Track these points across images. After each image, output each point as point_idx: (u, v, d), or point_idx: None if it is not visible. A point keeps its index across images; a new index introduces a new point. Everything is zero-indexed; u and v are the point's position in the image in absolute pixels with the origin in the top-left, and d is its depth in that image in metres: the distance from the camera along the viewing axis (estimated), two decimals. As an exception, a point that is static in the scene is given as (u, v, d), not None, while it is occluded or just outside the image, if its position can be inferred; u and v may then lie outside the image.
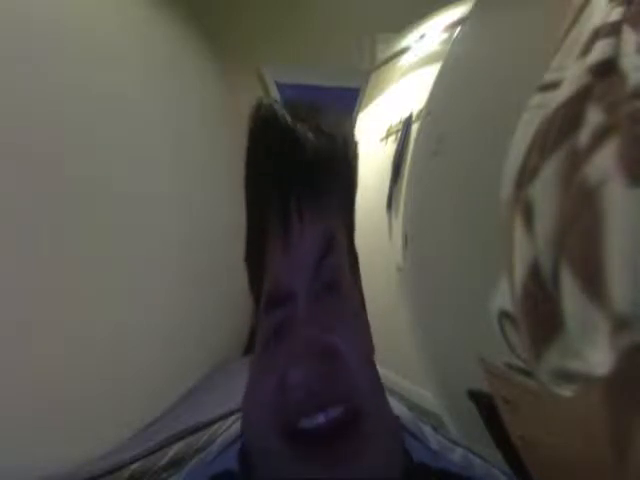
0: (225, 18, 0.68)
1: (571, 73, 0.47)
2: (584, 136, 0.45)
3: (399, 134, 0.65)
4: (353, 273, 0.52)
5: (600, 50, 0.46)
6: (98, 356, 0.56)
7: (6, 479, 0.52)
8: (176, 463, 0.56)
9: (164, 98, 0.64)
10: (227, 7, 0.68)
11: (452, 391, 0.58)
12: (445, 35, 0.66)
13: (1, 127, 0.52)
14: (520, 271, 0.48)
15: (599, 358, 0.43)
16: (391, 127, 0.66)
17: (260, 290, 0.50)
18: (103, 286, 0.57)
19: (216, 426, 0.57)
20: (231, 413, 0.57)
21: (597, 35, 0.47)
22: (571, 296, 0.44)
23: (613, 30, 0.46)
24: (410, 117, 0.64)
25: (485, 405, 0.54)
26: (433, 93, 0.62)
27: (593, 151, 0.44)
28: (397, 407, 0.55)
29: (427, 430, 0.56)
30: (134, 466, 0.56)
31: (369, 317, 0.53)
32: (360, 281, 0.52)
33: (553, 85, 0.48)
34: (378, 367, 0.51)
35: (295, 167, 0.49)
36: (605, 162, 0.44)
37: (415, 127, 0.63)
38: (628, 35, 0.46)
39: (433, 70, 0.64)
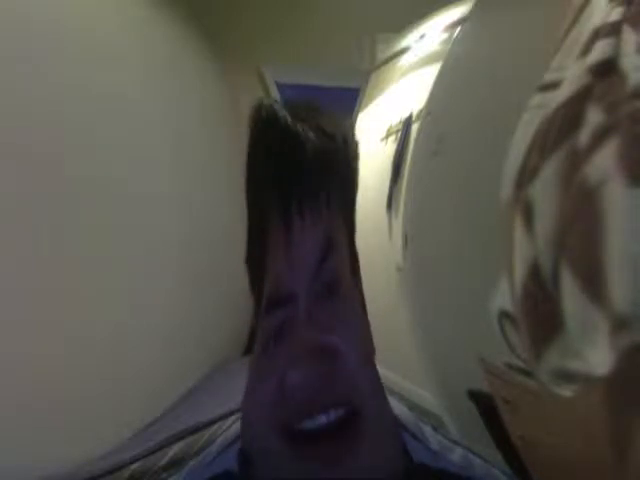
0: (225, 18, 0.68)
1: (571, 73, 0.47)
2: (584, 136, 0.45)
3: (399, 134, 0.65)
4: (354, 274, 0.52)
5: (600, 50, 0.46)
6: (98, 356, 0.56)
7: (6, 479, 0.52)
8: (176, 463, 0.56)
9: (164, 98, 0.64)
10: (227, 7, 0.68)
11: (452, 391, 0.58)
12: (445, 35, 0.66)
13: (1, 127, 0.52)
14: (520, 271, 0.48)
15: (599, 358, 0.43)
16: (391, 127, 0.66)
17: (261, 291, 0.50)
18: (103, 286, 0.57)
19: (216, 426, 0.57)
20: (231, 413, 0.57)
21: (597, 35, 0.47)
22: (571, 296, 0.44)
23: (613, 30, 0.46)
24: (410, 117, 0.64)
25: (485, 405, 0.53)
26: (433, 93, 0.62)
27: (593, 151, 0.44)
28: (397, 407, 0.55)
29: (427, 430, 0.56)
30: (134, 466, 0.56)
31: (369, 317, 0.53)
32: (360, 282, 0.52)
33: (553, 85, 0.48)
34: (378, 367, 0.51)
35: (296, 167, 0.49)
36: (605, 162, 0.44)
37: (415, 127, 0.63)
38: (628, 35, 0.46)
39: (433, 70, 0.64)
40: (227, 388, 0.62)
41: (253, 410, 0.49)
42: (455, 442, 0.56)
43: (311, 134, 0.49)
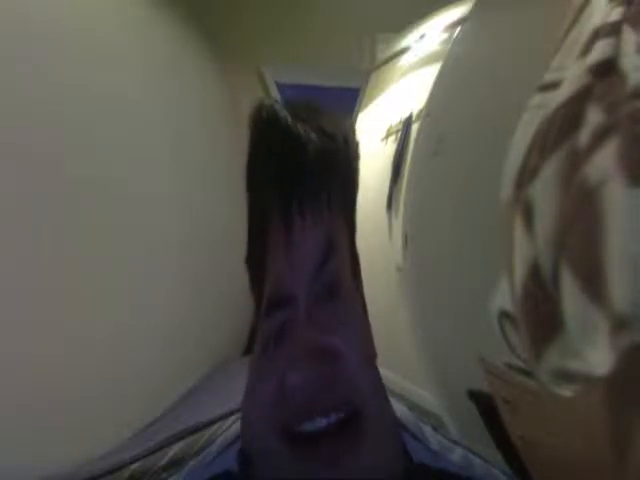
0: (225, 18, 0.68)
1: (571, 73, 0.47)
2: (584, 136, 0.45)
3: (399, 134, 0.65)
4: (354, 276, 0.52)
5: (600, 50, 0.46)
6: (98, 356, 0.56)
7: (6, 479, 0.52)
8: (176, 463, 0.56)
9: (164, 98, 0.64)
10: (227, 7, 0.68)
11: (452, 391, 0.58)
12: (445, 35, 0.66)
13: (1, 127, 0.52)
14: (520, 271, 0.48)
15: (599, 358, 0.43)
16: (391, 127, 0.66)
17: (261, 291, 0.50)
18: (103, 286, 0.57)
19: (216, 426, 0.57)
20: (231, 413, 0.57)
21: (597, 35, 0.47)
22: (571, 296, 0.44)
23: (613, 30, 0.46)
24: (410, 117, 0.64)
25: (485, 405, 0.53)
26: (433, 93, 0.62)
27: (593, 151, 0.44)
28: (397, 407, 0.55)
29: (427, 430, 0.56)
30: (134, 466, 0.56)
31: (369, 317, 0.53)
32: (361, 284, 0.52)
33: (553, 85, 0.48)
34: (378, 367, 0.51)
35: (297, 168, 0.49)
36: (605, 162, 0.44)
37: (415, 127, 0.63)
38: (628, 35, 0.46)
39: (433, 70, 0.64)
40: (227, 388, 0.62)
41: (253, 410, 0.49)
42: (455, 442, 0.56)
43: (312, 134, 0.49)
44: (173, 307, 0.60)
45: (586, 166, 0.44)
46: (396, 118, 0.66)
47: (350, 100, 0.70)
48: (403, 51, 0.70)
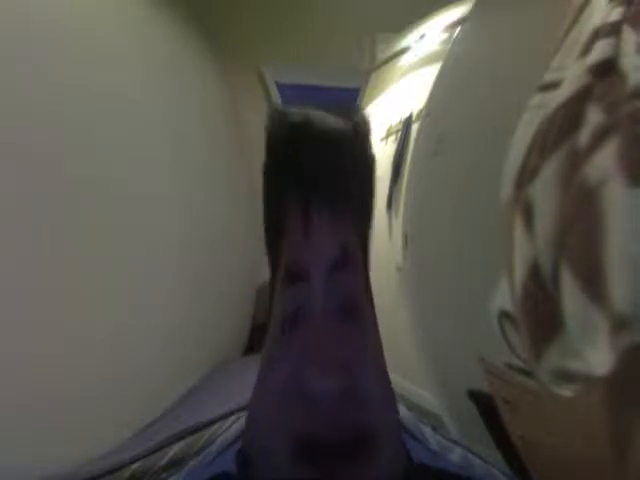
0: (225, 18, 0.68)
1: (571, 73, 0.47)
2: (584, 136, 0.45)
3: (399, 134, 0.65)
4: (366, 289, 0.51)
5: (600, 50, 0.46)
6: (98, 356, 0.56)
7: (6, 479, 0.52)
8: (176, 463, 0.56)
9: (164, 98, 0.64)
10: (227, 7, 0.68)
11: (452, 391, 0.58)
12: (445, 35, 0.66)
13: (1, 127, 0.52)
14: (520, 271, 0.48)
15: (599, 358, 0.43)
16: (391, 127, 0.66)
17: (278, 257, 0.49)
18: (103, 286, 0.57)
19: (216, 426, 0.57)
20: (231, 413, 0.57)
21: (597, 35, 0.47)
22: (571, 296, 0.44)
23: (613, 30, 0.47)
24: (410, 117, 0.64)
25: (485, 405, 0.53)
26: (433, 93, 0.62)
27: (593, 151, 0.44)
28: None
29: (427, 431, 0.56)
30: (134, 466, 0.56)
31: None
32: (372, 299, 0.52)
33: (553, 85, 0.48)
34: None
35: (329, 170, 0.49)
36: (605, 162, 0.44)
37: (415, 127, 0.63)
38: (628, 35, 0.46)
39: (433, 70, 0.64)
40: (227, 388, 0.62)
41: (264, 406, 0.48)
42: (455, 442, 0.56)
43: (348, 139, 0.49)
44: (173, 307, 0.60)
45: (586, 166, 0.44)
46: (396, 118, 0.66)
47: (350, 100, 0.70)
48: (403, 51, 0.70)
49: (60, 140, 0.56)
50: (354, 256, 0.49)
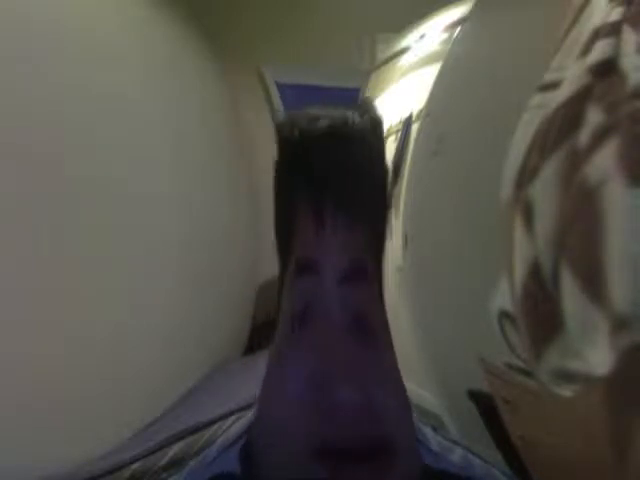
0: (225, 18, 0.68)
1: (571, 73, 0.47)
2: (584, 136, 0.45)
3: (399, 134, 0.65)
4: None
5: (600, 50, 0.46)
6: (98, 356, 0.56)
7: (6, 479, 0.52)
8: (176, 463, 0.56)
9: (164, 98, 0.64)
10: (227, 7, 0.68)
11: (452, 391, 0.58)
12: (445, 35, 0.66)
13: (1, 127, 0.52)
14: (520, 271, 0.48)
15: (599, 358, 0.43)
16: (391, 127, 0.66)
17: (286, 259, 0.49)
18: (103, 286, 0.57)
19: (216, 426, 0.57)
20: (231, 413, 0.57)
21: (597, 35, 0.47)
22: (571, 296, 0.44)
23: (613, 30, 0.47)
24: (410, 117, 0.64)
25: (485, 405, 0.53)
26: (433, 93, 0.62)
27: (593, 151, 0.44)
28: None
29: (428, 432, 0.56)
30: (134, 466, 0.56)
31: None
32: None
33: (553, 85, 0.48)
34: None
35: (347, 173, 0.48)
36: (605, 162, 0.44)
37: (415, 127, 0.63)
38: (628, 35, 0.46)
39: (433, 70, 0.64)
40: (227, 388, 0.62)
41: (280, 404, 0.48)
42: (455, 442, 0.56)
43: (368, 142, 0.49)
44: (173, 307, 0.60)
45: (586, 166, 0.44)
46: (396, 118, 0.66)
47: (350, 100, 0.70)
48: (403, 51, 0.70)
49: (60, 140, 0.56)
50: (366, 257, 0.49)
